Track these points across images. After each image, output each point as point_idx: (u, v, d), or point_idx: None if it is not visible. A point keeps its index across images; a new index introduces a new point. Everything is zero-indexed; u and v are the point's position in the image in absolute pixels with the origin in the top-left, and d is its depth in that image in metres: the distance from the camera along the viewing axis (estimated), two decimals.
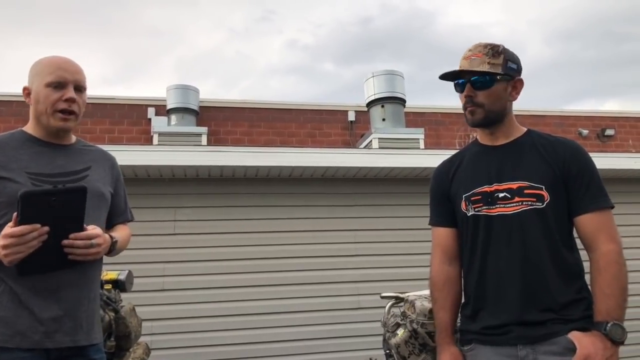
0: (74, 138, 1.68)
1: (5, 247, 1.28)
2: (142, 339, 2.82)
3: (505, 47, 1.57)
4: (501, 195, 1.49)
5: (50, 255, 1.32)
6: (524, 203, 1.47)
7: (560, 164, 1.49)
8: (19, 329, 1.44)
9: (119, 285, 2.61)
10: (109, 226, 1.70)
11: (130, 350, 2.72)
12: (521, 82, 1.58)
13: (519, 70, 1.58)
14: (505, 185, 1.50)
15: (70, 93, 1.55)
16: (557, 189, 1.47)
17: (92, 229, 1.43)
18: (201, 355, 4.15)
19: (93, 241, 1.40)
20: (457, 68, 1.54)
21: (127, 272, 2.68)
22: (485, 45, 1.54)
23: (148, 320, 3.47)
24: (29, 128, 1.61)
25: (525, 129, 1.61)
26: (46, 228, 1.29)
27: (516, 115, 1.63)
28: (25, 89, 1.61)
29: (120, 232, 1.68)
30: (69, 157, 1.61)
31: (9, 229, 1.29)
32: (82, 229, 1.39)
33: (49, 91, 1.54)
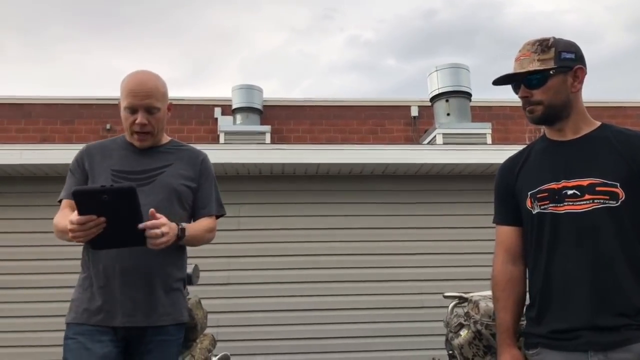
0: (166, 139, 1.89)
1: (71, 230, 1.52)
2: (208, 330, 2.93)
3: (557, 37, 1.50)
4: (570, 192, 1.41)
5: (116, 236, 1.54)
6: (596, 201, 1.38)
7: (638, 160, 1.38)
8: (87, 308, 1.69)
9: (186, 279, 2.73)
10: (195, 218, 1.86)
11: (197, 341, 2.84)
12: (582, 70, 1.48)
13: (578, 58, 1.49)
14: (575, 182, 1.41)
15: (141, 119, 1.74)
16: (634, 186, 1.37)
17: (159, 219, 1.57)
18: (265, 348, 4.26)
19: (157, 231, 1.55)
20: (509, 72, 1.51)
21: (193, 265, 2.79)
22: (534, 43, 1.49)
23: (214, 312, 3.60)
24: (126, 135, 1.86)
25: (598, 123, 1.52)
26: (102, 219, 1.49)
27: (594, 107, 1.54)
28: (119, 103, 1.83)
29: (196, 224, 1.82)
30: (153, 157, 1.83)
31: (73, 216, 1.52)
32: (140, 219, 1.54)
33: (126, 114, 1.77)
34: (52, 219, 1.79)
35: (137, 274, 1.69)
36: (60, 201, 1.83)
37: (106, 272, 1.69)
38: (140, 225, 1.53)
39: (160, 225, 1.56)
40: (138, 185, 1.66)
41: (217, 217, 1.92)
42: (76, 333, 1.68)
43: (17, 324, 4.17)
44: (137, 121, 1.74)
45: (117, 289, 1.68)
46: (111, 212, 1.49)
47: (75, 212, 1.51)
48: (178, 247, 1.77)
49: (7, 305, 4.21)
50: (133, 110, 1.74)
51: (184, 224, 1.71)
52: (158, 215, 1.57)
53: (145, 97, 1.74)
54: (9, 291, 4.24)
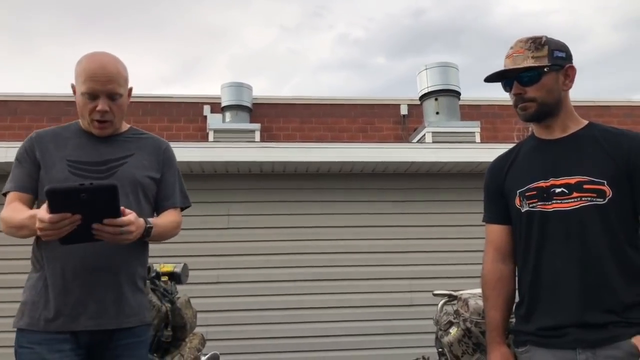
0: (125, 127, 1.74)
1: (40, 229, 1.38)
2: (197, 330, 2.92)
3: (549, 36, 1.51)
4: (558, 190, 1.42)
5: (87, 232, 1.41)
6: (583, 199, 1.39)
7: (625, 158, 1.39)
8: (45, 313, 1.52)
9: (175, 278, 2.70)
10: (158, 210, 1.73)
11: (186, 340, 2.82)
12: (573, 68, 1.50)
13: (568, 57, 1.50)
14: (563, 180, 1.43)
15: (102, 105, 1.58)
16: (620, 184, 1.38)
17: (128, 215, 1.45)
18: (255, 347, 4.24)
19: (122, 229, 1.42)
20: (500, 69, 1.50)
21: (182, 264, 2.78)
22: (526, 40, 1.49)
23: (203, 312, 3.58)
24: (81, 122, 1.69)
25: (585, 122, 1.53)
26: (78, 216, 1.36)
27: (580, 107, 1.55)
28: (72, 86, 1.66)
29: (162, 219, 1.69)
30: (112, 146, 1.67)
31: (43, 213, 1.36)
32: (118, 216, 1.42)
33: (84, 100, 1.59)
34: None
35: (101, 273, 1.55)
36: (5, 194, 1.64)
37: (64, 271, 1.54)
38: (117, 221, 1.41)
39: (128, 224, 1.43)
40: (98, 177, 1.57)
41: (182, 209, 1.80)
42: (32, 342, 1.52)
43: None
44: (98, 108, 1.58)
45: (79, 289, 1.54)
46: (87, 210, 1.37)
47: (43, 208, 1.37)
48: (141, 242, 1.64)
49: None
50: (93, 96, 1.57)
51: (150, 221, 1.58)
52: (127, 211, 1.46)
53: (107, 82, 1.57)
54: None
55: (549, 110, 1.49)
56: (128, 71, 1.68)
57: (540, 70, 1.46)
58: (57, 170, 1.56)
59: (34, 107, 7.99)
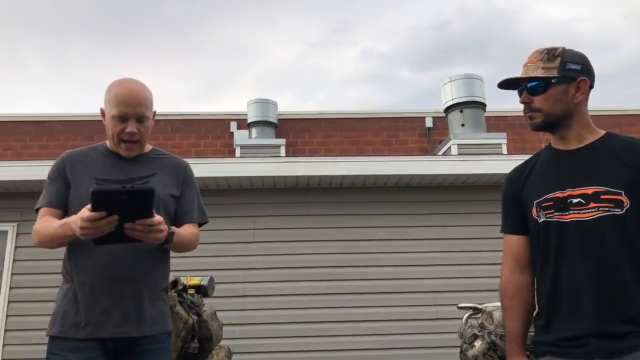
0: (148, 148, 1.86)
1: (82, 228, 1.49)
2: (224, 342, 2.96)
3: (567, 48, 1.52)
4: (575, 200, 1.42)
5: (120, 233, 1.53)
6: (601, 209, 1.39)
7: None
8: (75, 321, 1.64)
9: (202, 290, 2.77)
10: (177, 225, 1.81)
11: (213, 352, 2.87)
12: (585, 82, 1.50)
13: (584, 70, 1.50)
14: (580, 191, 1.42)
15: (131, 127, 1.72)
16: (638, 193, 1.37)
17: (156, 217, 1.56)
18: None
19: (153, 227, 1.54)
20: (511, 76, 1.54)
21: (209, 277, 2.84)
22: (542, 51, 1.52)
23: (230, 325, 3.64)
24: (109, 143, 1.83)
25: (603, 132, 1.53)
26: (115, 217, 1.48)
27: (611, 116, 1.55)
28: (101, 110, 1.80)
29: (182, 229, 1.77)
30: (137, 166, 1.80)
31: (85, 212, 1.49)
32: (151, 217, 1.54)
33: (114, 122, 1.73)
34: None
35: (124, 283, 1.66)
36: (37, 210, 1.77)
37: (92, 282, 1.65)
38: (147, 221, 1.53)
39: (158, 223, 1.55)
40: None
41: (200, 225, 1.89)
42: (63, 349, 1.62)
43: (41, 337, 4.25)
44: (127, 130, 1.71)
45: (105, 299, 1.64)
46: (124, 211, 1.49)
47: (84, 209, 1.49)
48: (163, 256, 1.77)
49: (31, 319, 4.30)
50: (123, 119, 1.71)
51: (173, 228, 1.70)
52: (156, 215, 1.57)
53: (137, 106, 1.71)
54: (34, 304, 4.33)
55: (555, 121, 1.50)
56: (153, 95, 1.82)
57: (547, 81, 1.48)
58: (85, 187, 1.63)
59: (69, 126, 8.31)
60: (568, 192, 1.44)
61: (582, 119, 1.52)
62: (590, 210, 1.40)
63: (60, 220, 1.66)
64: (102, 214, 1.46)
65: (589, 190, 1.41)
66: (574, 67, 1.49)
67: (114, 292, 1.64)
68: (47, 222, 1.68)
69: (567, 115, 1.50)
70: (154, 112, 1.82)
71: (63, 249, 1.77)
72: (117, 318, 1.64)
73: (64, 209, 1.74)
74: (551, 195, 1.47)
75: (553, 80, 1.48)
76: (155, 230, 1.55)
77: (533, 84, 1.49)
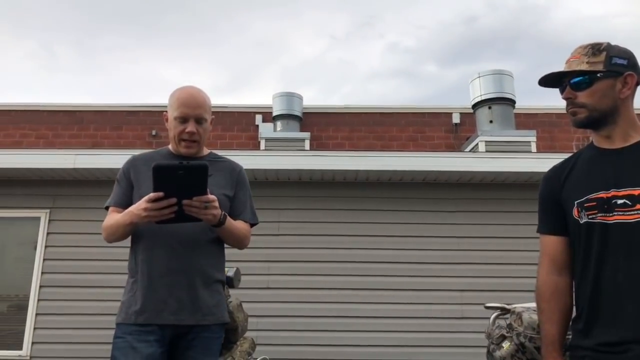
0: (206, 151, 2.01)
1: (145, 209, 1.67)
2: (248, 334, 2.98)
3: (612, 43, 1.47)
4: (620, 202, 1.37)
5: (180, 213, 1.67)
6: None
7: None
8: (135, 309, 1.80)
9: (228, 282, 2.79)
10: None
11: (237, 343, 2.90)
12: (632, 76, 1.44)
13: (631, 65, 1.45)
14: (625, 192, 1.37)
15: (191, 127, 1.86)
16: None
17: (211, 195, 1.69)
18: (303, 354, 4.28)
19: (208, 204, 1.68)
20: (552, 71, 1.49)
21: (235, 269, 2.86)
22: (586, 46, 1.47)
23: (253, 316, 3.67)
24: (171, 145, 1.97)
25: None
26: (174, 199, 1.64)
27: None
28: (164, 114, 1.97)
29: (235, 222, 1.89)
30: None
31: (150, 194, 1.65)
32: (205, 194, 1.67)
33: (176, 123, 1.88)
34: (103, 220, 1.89)
35: (179, 274, 1.79)
36: (106, 208, 1.94)
37: (151, 273, 1.80)
38: (203, 198, 1.65)
39: (212, 200, 1.69)
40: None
41: (251, 225, 2.00)
42: (124, 333, 1.77)
43: (70, 322, 4.37)
44: (187, 129, 1.86)
45: (162, 288, 1.78)
46: (182, 189, 1.62)
47: (148, 195, 1.65)
48: (217, 249, 1.89)
49: (61, 303, 4.42)
50: (184, 119, 1.86)
51: (226, 214, 1.82)
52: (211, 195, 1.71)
53: (197, 107, 1.87)
54: (63, 289, 4.45)
55: (600, 117, 1.45)
56: (211, 101, 1.96)
57: (592, 76, 1.43)
58: (146, 187, 1.76)
59: (98, 116, 8.48)
60: (613, 192, 1.39)
61: (628, 116, 1.46)
62: (636, 212, 1.35)
63: (122, 213, 1.82)
64: (162, 195, 1.62)
65: (636, 192, 1.36)
66: (620, 61, 1.44)
67: (170, 282, 1.78)
68: (111, 218, 1.86)
69: (612, 112, 1.44)
70: (212, 118, 1.97)
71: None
72: (173, 306, 1.77)
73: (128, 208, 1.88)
74: (594, 195, 1.42)
75: (599, 75, 1.43)
76: (210, 207, 1.68)
77: (577, 78, 1.44)
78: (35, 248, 4.58)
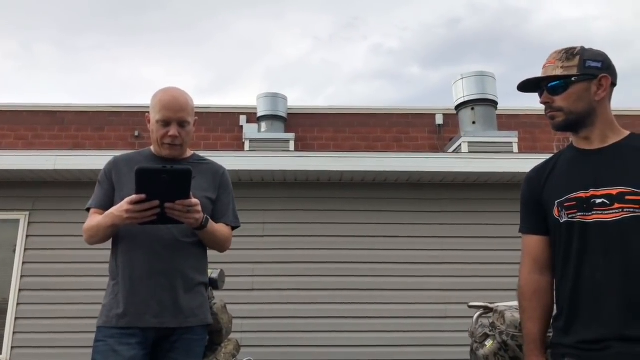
0: (189, 153, 1.99)
1: (127, 211, 1.65)
2: (232, 336, 2.97)
3: (586, 47, 1.51)
4: (598, 201, 1.40)
5: (162, 215, 1.66)
6: (625, 210, 1.37)
7: None
8: (117, 313, 1.78)
9: (212, 283, 2.76)
10: None
11: (222, 345, 2.87)
12: (607, 78, 1.48)
13: (605, 67, 1.49)
14: (604, 191, 1.40)
15: (173, 131, 1.84)
16: None
17: (193, 199, 1.68)
18: (288, 355, 4.27)
19: (191, 208, 1.67)
20: (530, 77, 1.52)
21: (219, 270, 2.84)
22: (560, 51, 1.52)
23: (238, 318, 3.64)
24: (153, 147, 1.95)
25: (627, 132, 1.50)
26: (156, 202, 1.63)
27: (624, 116, 1.53)
28: (146, 115, 1.94)
29: (217, 225, 1.89)
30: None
31: (132, 196, 1.63)
32: (188, 198, 1.67)
33: (158, 127, 1.86)
34: (84, 222, 1.86)
35: (161, 277, 1.78)
36: (87, 210, 1.92)
37: (132, 276, 1.78)
38: (186, 202, 1.65)
39: (195, 205, 1.68)
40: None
41: (233, 228, 2.00)
42: (106, 336, 1.76)
43: (50, 325, 4.30)
44: (169, 133, 1.84)
45: (144, 291, 1.77)
46: (165, 192, 1.62)
47: (130, 197, 1.63)
48: (199, 251, 1.89)
49: (41, 307, 4.34)
50: (166, 123, 1.84)
51: (208, 217, 1.81)
52: (194, 198, 1.70)
53: (179, 111, 1.84)
54: (43, 293, 4.37)
55: (577, 119, 1.48)
56: (194, 103, 1.94)
57: (567, 80, 1.47)
58: (128, 188, 1.74)
59: (80, 117, 8.35)
60: (591, 192, 1.42)
61: (605, 118, 1.49)
62: (614, 211, 1.38)
63: (103, 215, 1.81)
64: (144, 197, 1.60)
65: (614, 191, 1.39)
66: (594, 64, 1.47)
67: (152, 284, 1.77)
68: (92, 219, 1.84)
69: (589, 114, 1.48)
70: (195, 120, 1.95)
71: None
72: (155, 309, 1.76)
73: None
74: (574, 195, 1.45)
75: (573, 79, 1.47)
76: (193, 210, 1.67)
77: (553, 83, 1.48)
78: (14, 251, 4.49)
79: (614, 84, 1.50)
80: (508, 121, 8.20)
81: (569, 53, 1.49)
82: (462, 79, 7.49)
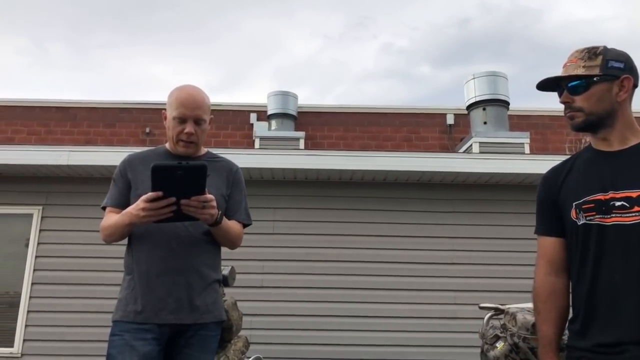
0: (203, 151, 2.00)
1: (144, 209, 1.65)
2: (242, 333, 2.98)
3: (609, 47, 1.48)
4: (618, 204, 1.38)
5: (178, 212, 1.66)
6: None
7: None
8: (134, 308, 1.79)
9: (223, 280, 2.76)
10: None
11: (232, 342, 2.89)
12: (629, 79, 1.45)
13: (628, 68, 1.46)
14: (623, 194, 1.38)
15: (189, 128, 1.85)
16: None
17: (209, 195, 1.68)
18: (296, 353, 4.28)
19: (206, 204, 1.67)
20: (550, 76, 1.50)
21: (230, 267, 2.85)
22: (582, 50, 1.49)
23: (248, 315, 3.66)
24: (168, 144, 1.96)
25: None
26: (173, 199, 1.63)
27: (638, 118, 1.50)
28: (163, 112, 1.95)
29: (230, 222, 1.90)
30: None
31: (145, 196, 1.64)
32: (203, 194, 1.66)
33: (174, 123, 1.87)
34: (96, 217, 1.88)
35: (177, 274, 1.79)
36: (103, 208, 1.92)
37: (149, 273, 1.79)
38: (201, 198, 1.65)
39: (210, 200, 1.69)
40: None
41: (244, 226, 2.00)
42: (122, 330, 1.77)
43: (61, 319, 4.34)
44: (185, 130, 1.85)
45: (161, 288, 1.78)
46: (180, 189, 1.62)
47: (147, 195, 1.63)
48: (214, 248, 1.90)
49: (53, 301, 4.38)
50: (182, 120, 1.85)
51: (222, 213, 1.82)
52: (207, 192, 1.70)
53: (196, 108, 1.86)
54: (56, 287, 4.41)
55: (597, 120, 1.46)
56: (210, 101, 1.95)
57: (589, 80, 1.44)
58: (144, 186, 1.75)
59: (92, 113, 8.41)
60: (610, 194, 1.40)
61: (625, 119, 1.47)
62: (633, 214, 1.36)
63: (120, 213, 1.81)
64: (160, 194, 1.60)
65: (634, 194, 1.37)
66: (616, 65, 1.45)
67: (168, 281, 1.78)
68: (109, 218, 1.84)
69: (610, 115, 1.45)
70: (211, 118, 1.96)
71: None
72: (172, 306, 1.77)
73: (125, 208, 1.85)
74: (592, 197, 1.43)
75: (595, 79, 1.44)
76: (208, 206, 1.67)
77: (574, 83, 1.45)
78: (27, 245, 4.53)
79: (635, 85, 1.48)
80: (519, 122, 8.14)
81: (591, 52, 1.46)
82: (473, 78, 7.45)
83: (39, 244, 4.52)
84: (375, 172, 4.48)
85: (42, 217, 4.57)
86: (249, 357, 3.08)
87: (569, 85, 1.47)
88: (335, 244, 4.50)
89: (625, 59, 1.47)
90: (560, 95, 1.51)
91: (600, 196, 1.42)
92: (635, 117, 1.53)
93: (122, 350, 1.73)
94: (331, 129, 8.48)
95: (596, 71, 1.44)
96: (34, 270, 4.46)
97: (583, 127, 1.49)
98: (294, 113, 8.33)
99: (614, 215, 1.38)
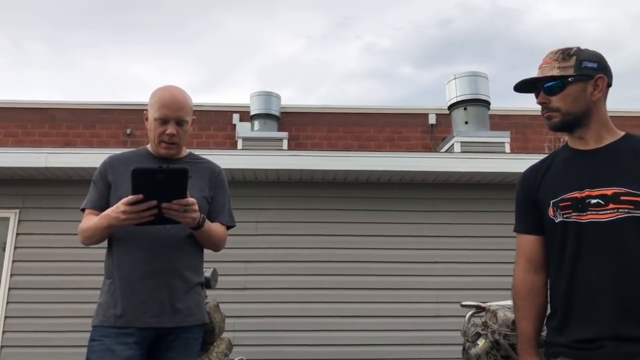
0: (185, 152, 1.99)
1: (124, 212, 1.64)
2: (224, 335, 2.96)
3: (582, 47, 1.52)
4: (593, 201, 1.41)
5: (159, 215, 1.65)
6: (620, 210, 1.37)
7: None
8: (114, 313, 1.76)
9: (205, 282, 2.75)
10: None
11: (214, 344, 2.86)
12: (603, 79, 1.49)
13: (601, 68, 1.50)
14: (598, 191, 1.41)
15: (171, 129, 1.84)
16: None
17: (190, 198, 1.67)
18: (281, 354, 4.27)
19: (187, 207, 1.66)
20: (526, 77, 1.53)
21: (212, 270, 2.83)
22: (556, 51, 1.52)
23: (230, 317, 3.63)
24: (150, 145, 1.95)
25: (622, 133, 1.51)
26: (154, 202, 1.61)
27: (616, 117, 1.54)
28: (144, 113, 1.94)
29: (212, 225, 1.89)
30: None
31: (129, 197, 1.62)
32: (185, 198, 1.66)
33: (156, 124, 1.85)
34: (75, 220, 1.85)
35: (159, 276, 1.77)
36: (82, 210, 1.90)
37: (131, 276, 1.77)
38: (182, 201, 1.64)
39: (191, 204, 1.68)
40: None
41: (228, 228, 1.99)
42: (102, 335, 1.74)
43: (40, 324, 4.25)
44: (167, 131, 1.83)
45: (143, 291, 1.76)
46: (161, 192, 1.60)
47: (127, 198, 1.62)
48: (197, 251, 1.89)
49: (31, 306, 4.30)
50: (164, 121, 1.83)
51: (204, 216, 1.81)
52: (190, 198, 1.69)
53: (178, 109, 1.84)
54: (34, 292, 4.33)
55: (574, 120, 1.49)
56: (193, 102, 1.94)
57: (564, 80, 1.47)
58: (125, 188, 1.73)
59: (71, 114, 8.27)
60: (586, 192, 1.43)
61: (600, 118, 1.50)
62: (609, 212, 1.38)
63: (99, 215, 1.79)
64: (141, 197, 1.59)
65: (609, 191, 1.40)
66: (590, 65, 1.48)
67: (150, 284, 1.76)
68: (88, 220, 1.82)
69: (585, 114, 1.48)
70: (193, 119, 1.94)
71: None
72: (154, 309, 1.75)
73: (104, 210, 1.82)
74: (569, 195, 1.45)
75: (570, 79, 1.47)
76: (190, 210, 1.66)
77: (550, 83, 1.49)
78: (4, 249, 4.44)
79: (609, 85, 1.51)
80: (500, 121, 8.24)
81: (565, 53, 1.50)
82: (455, 79, 7.51)
83: (16, 248, 4.42)
84: (358, 172, 4.49)
85: (19, 221, 4.48)
86: (233, 359, 3.06)
87: (545, 86, 1.50)
88: (318, 244, 4.50)
89: (598, 59, 1.50)
90: (537, 96, 1.54)
91: (576, 194, 1.44)
92: (616, 117, 1.57)
93: (102, 355, 1.70)
94: (314, 129, 8.48)
95: (570, 72, 1.47)
96: (11, 275, 4.36)
97: (560, 127, 1.52)
98: (277, 113, 8.30)
99: (589, 212, 1.41)
